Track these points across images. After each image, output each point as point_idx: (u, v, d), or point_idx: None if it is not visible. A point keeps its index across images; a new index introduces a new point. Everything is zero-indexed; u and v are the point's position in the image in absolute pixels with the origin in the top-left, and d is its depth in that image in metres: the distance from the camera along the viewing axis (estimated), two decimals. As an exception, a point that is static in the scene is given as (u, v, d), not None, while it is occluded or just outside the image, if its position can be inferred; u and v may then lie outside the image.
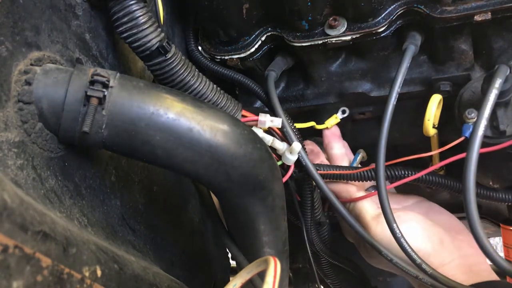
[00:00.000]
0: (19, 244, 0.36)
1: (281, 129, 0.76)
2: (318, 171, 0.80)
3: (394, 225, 0.74)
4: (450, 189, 0.82)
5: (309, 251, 0.90)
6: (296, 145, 0.73)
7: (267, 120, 0.72)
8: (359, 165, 0.93)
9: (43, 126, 0.51)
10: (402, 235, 0.74)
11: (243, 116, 0.73)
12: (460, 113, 0.73)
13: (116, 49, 0.69)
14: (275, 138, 0.73)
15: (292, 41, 0.81)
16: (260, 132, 0.71)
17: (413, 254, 0.74)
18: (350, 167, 0.84)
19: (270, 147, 0.72)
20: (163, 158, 0.54)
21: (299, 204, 0.88)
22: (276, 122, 0.73)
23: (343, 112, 0.91)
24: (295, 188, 0.87)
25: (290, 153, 0.74)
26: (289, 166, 0.76)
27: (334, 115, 0.91)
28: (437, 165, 0.77)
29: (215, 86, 0.71)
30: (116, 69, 0.68)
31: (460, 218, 1.25)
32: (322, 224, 0.92)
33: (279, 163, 0.75)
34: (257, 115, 0.73)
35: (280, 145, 0.73)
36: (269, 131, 0.75)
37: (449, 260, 0.79)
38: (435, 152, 0.77)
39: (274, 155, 0.73)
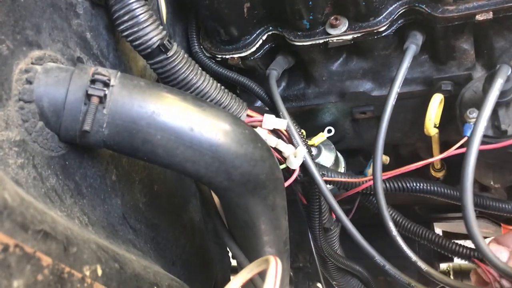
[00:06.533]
0: (20, 243, 0.36)
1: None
2: (323, 178, 0.79)
3: (390, 223, 0.74)
4: (447, 198, 0.82)
5: (315, 255, 0.89)
6: (301, 150, 0.71)
7: (271, 121, 0.70)
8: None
9: (44, 125, 0.50)
10: (397, 233, 0.74)
11: (248, 116, 0.71)
12: (461, 112, 0.73)
13: (117, 48, 0.69)
14: (281, 140, 0.70)
15: (293, 40, 0.81)
16: (264, 134, 0.69)
17: (409, 252, 0.74)
18: (354, 176, 0.84)
19: (276, 149, 0.70)
20: (164, 157, 0.54)
21: (306, 208, 0.86)
22: (280, 124, 0.70)
23: (329, 131, 0.89)
24: (301, 192, 0.86)
25: (295, 157, 0.71)
26: (294, 169, 0.73)
27: (321, 133, 0.89)
28: (435, 158, 0.77)
29: (219, 84, 0.70)
30: (117, 68, 0.68)
31: (457, 218, 1.26)
32: (329, 230, 0.91)
33: (283, 166, 0.72)
34: (262, 115, 0.71)
35: (285, 148, 0.70)
36: (275, 132, 0.72)
37: None
38: (437, 158, 0.76)
39: (279, 157, 0.71)
